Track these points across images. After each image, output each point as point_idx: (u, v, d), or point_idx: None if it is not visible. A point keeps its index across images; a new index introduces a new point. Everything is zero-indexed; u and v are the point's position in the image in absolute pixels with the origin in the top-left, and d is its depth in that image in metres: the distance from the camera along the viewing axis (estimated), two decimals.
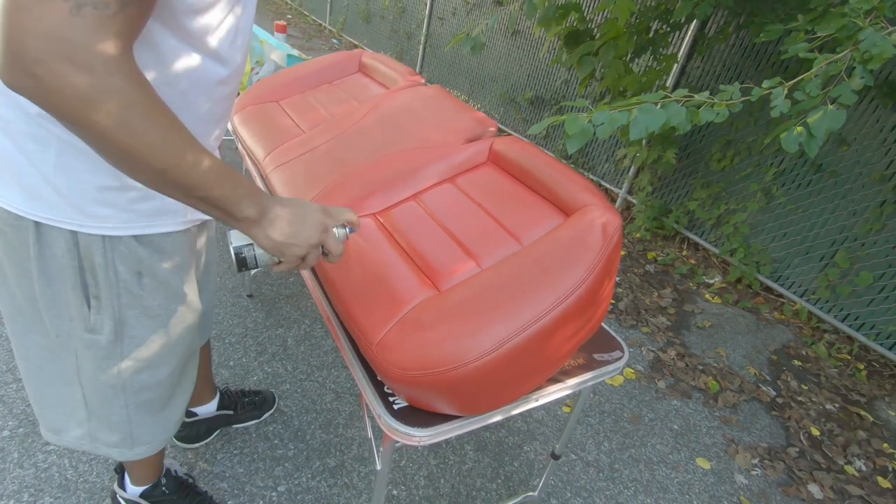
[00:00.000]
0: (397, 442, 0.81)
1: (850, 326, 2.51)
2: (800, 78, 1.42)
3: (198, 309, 0.87)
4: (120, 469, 1.15)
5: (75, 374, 0.79)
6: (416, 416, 0.81)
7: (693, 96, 1.46)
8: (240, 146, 1.47)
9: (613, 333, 1.10)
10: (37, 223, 0.67)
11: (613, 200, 3.60)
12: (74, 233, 0.68)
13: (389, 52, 6.00)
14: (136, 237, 0.72)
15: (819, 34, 1.51)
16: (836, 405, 2.14)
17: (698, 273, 2.92)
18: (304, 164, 1.20)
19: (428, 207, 1.04)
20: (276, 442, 1.48)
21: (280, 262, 0.71)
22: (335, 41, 6.84)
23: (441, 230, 0.98)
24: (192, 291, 0.85)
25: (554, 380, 0.94)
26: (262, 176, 1.29)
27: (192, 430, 1.37)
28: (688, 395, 2.03)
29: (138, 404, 0.84)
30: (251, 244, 0.71)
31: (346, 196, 1.06)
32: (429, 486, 1.46)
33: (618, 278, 2.73)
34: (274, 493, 1.34)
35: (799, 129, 1.37)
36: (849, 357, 2.43)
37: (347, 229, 0.75)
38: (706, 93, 1.48)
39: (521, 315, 0.75)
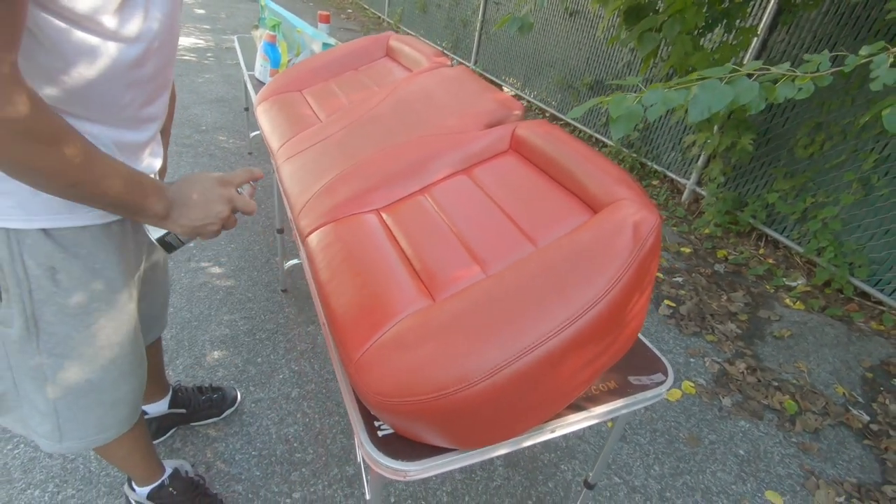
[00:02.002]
0: (390, 476, 0.70)
1: None
2: None
3: (130, 310, 0.82)
4: None
5: (5, 359, 0.76)
6: (404, 445, 0.69)
7: (769, 69, 1.22)
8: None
9: (656, 351, 0.93)
10: None
11: (680, 193, 3.29)
12: None
13: (445, 42, 5.88)
14: (44, 231, 0.67)
15: None
16: None
17: (777, 274, 2.58)
18: (314, 154, 1.11)
19: (438, 202, 0.92)
20: (295, 445, 1.43)
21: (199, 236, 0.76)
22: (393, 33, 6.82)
23: (448, 229, 0.86)
24: (122, 291, 0.79)
25: (576, 407, 0.80)
26: (275, 168, 1.22)
27: None
28: (758, 415, 1.77)
29: (65, 399, 0.80)
30: (165, 233, 0.74)
31: (350, 190, 0.96)
32: (451, 503, 1.35)
33: (680, 279, 2.47)
34: (288, 500, 1.29)
35: None
36: None
37: (250, 184, 0.81)
38: (786, 64, 1.23)
39: (523, 336, 0.61)
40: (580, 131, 4.17)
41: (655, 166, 3.45)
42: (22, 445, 1.31)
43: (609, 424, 1.64)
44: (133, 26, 0.60)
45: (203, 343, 1.70)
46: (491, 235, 0.82)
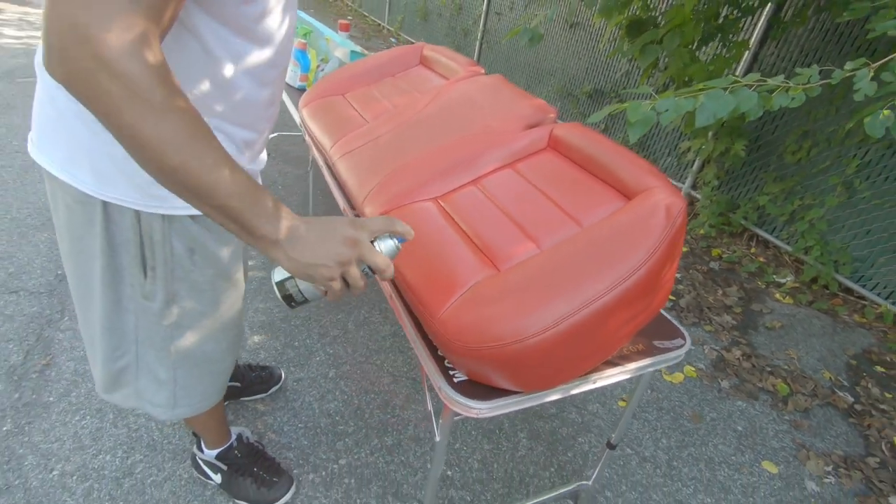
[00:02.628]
0: (457, 414, 0.84)
1: None
2: (889, 58, 1.32)
3: (242, 288, 0.94)
4: (197, 434, 1.26)
5: (133, 333, 0.87)
6: (476, 389, 0.83)
7: (766, 80, 1.39)
8: (307, 138, 1.55)
9: (676, 322, 1.08)
10: (104, 203, 0.74)
11: None
12: (138, 212, 0.75)
13: None
14: (191, 217, 0.79)
15: None
16: None
17: (768, 272, 2.76)
18: (368, 152, 1.25)
19: (488, 192, 1.07)
20: (337, 419, 1.55)
21: (325, 290, 0.66)
22: (393, 40, 6.98)
23: (501, 213, 1.00)
24: (237, 271, 0.91)
25: (612, 363, 0.94)
26: (328, 165, 1.36)
27: None
28: (754, 396, 1.94)
29: (185, 368, 0.92)
30: (292, 277, 0.66)
31: (406, 183, 1.10)
32: (482, 469, 1.48)
33: (679, 275, 2.64)
34: (335, 466, 1.42)
35: (886, 112, 1.27)
36: None
37: (396, 240, 0.67)
38: (780, 77, 1.40)
39: (581, 294, 0.76)
40: None
41: None
42: (88, 417, 1.42)
43: (620, 403, 1.79)
44: (274, 28, 0.71)
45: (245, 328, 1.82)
46: (540, 217, 0.97)
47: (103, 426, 1.41)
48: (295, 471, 1.38)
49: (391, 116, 1.37)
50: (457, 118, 1.25)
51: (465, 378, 0.85)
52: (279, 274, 0.67)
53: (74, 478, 1.27)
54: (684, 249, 2.90)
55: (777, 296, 2.60)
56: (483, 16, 5.22)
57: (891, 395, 2.04)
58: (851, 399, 2.00)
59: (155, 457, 1.35)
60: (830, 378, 2.09)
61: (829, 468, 1.68)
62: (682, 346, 1.02)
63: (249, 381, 1.52)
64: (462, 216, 1.01)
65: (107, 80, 0.47)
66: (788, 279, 2.73)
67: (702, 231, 3.09)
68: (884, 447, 1.80)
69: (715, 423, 1.79)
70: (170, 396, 0.95)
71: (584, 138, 1.07)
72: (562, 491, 1.38)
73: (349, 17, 8.09)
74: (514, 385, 0.82)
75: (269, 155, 3.13)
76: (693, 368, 2.02)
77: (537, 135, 1.14)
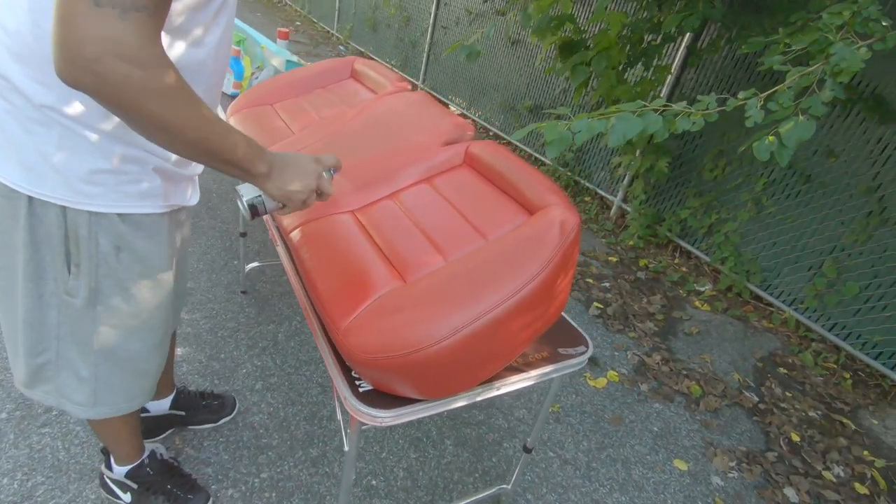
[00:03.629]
0: (364, 424, 0.86)
1: (836, 336, 2.53)
2: (774, 89, 1.47)
3: (170, 289, 0.94)
4: (106, 451, 1.21)
5: (55, 329, 0.85)
6: (381, 398, 0.86)
7: (671, 106, 1.51)
8: None
9: (580, 329, 1.14)
10: (30, 197, 0.74)
11: (608, 208, 3.65)
12: (64, 208, 0.75)
13: (394, 60, 6.10)
14: (119, 215, 0.79)
15: (794, 47, 1.56)
16: (819, 413, 2.16)
17: (689, 281, 2.95)
18: None
19: (404, 206, 1.10)
20: (261, 432, 1.53)
21: (284, 206, 0.83)
22: (342, 48, 6.96)
23: (414, 227, 1.04)
24: (166, 272, 0.91)
25: (517, 370, 0.99)
26: None
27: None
28: (670, 398, 2.06)
29: (107, 365, 0.91)
30: (259, 195, 0.82)
31: None
32: (407, 477, 1.50)
33: (607, 284, 2.77)
34: (256, 480, 1.39)
35: (771, 138, 1.41)
36: (835, 366, 2.45)
37: (332, 171, 0.89)
38: (683, 102, 1.53)
39: (478, 304, 0.80)
40: (522, 150, 4.49)
41: (587, 184, 3.80)
42: None
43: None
44: (214, 40, 0.74)
45: None
46: (450, 231, 1.01)
47: (2, 447, 1.32)
48: (213, 486, 1.35)
49: (317, 128, 1.38)
50: (380, 133, 1.28)
51: (370, 387, 0.87)
52: (248, 193, 0.82)
53: None
54: (614, 260, 3.05)
55: (696, 303, 2.78)
56: (430, 29, 5.31)
57: (791, 395, 2.23)
58: (756, 398, 2.17)
59: (59, 478, 1.29)
60: (739, 379, 2.26)
61: (734, 464, 1.82)
62: (584, 352, 1.08)
63: (196, 409, 1.46)
64: (377, 229, 1.04)
65: (148, 85, 0.57)
66: (707, 287, 2.93)
67: (631, 242, 3.26)
68: (782, 442, 1.96)
69: (633, 425, 1.89)
70: (90, 394, 0.92)
71: (496, 156, 1.13)
72: (482, 495, 1.42)
73: (297, 23, 7.99)
74: (417, 393, 0.85)
75: None
76: (616, 373, 2.13)
77: (454, 151, 1.19)
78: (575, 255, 0.92)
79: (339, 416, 1.00)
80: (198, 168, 0.92)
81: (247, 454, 1.46)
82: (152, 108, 0.58)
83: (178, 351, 1.73)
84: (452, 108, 5.29)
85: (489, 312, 0.80)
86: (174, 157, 0.82)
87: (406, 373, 0.80)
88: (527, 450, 1.33)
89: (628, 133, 1.43)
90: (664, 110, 1.50)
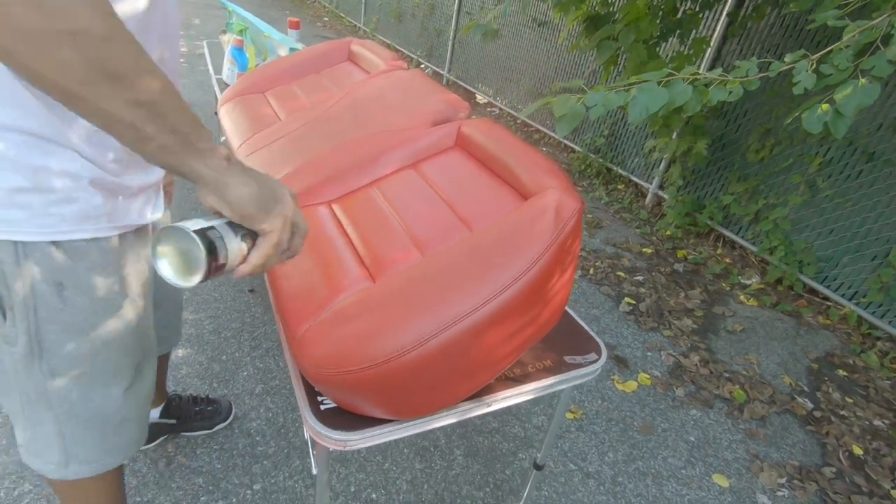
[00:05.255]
0: (331, 447, 0.74)
1: None
2: (828, 49, 1.25)
3: (134, 325, 0.77)
4: None
5: (11, 381, 0.73)
6: (345, 418, 0.74)
7: (702, 74, 1.31)
8: (222, 138, 1.45)
9: (592, 333, 0.99)
10: None
11: (643, 196, 3.40)
12: None
13: (420, 51, 5.97)
14: (54, 243, 0.63)
15: None
16: (887, 422, 1.90)
17: (733, 273, 2.69)
18: (272, 151, 1.16)
19: (386, 195, 0.97)
20: (258, 439, 1.45)
21: (249, 249, 0.57)
22: None
23: (393, 219, 0.91)
24: (130, 306, 0.75)
25: (514, 382, 0.85)
26: None
27: None
28: (709, 404, 1.86)
29: (71, 421, 0.76)
30: (211, 225, 0.54)
31: (304, 183, 1.01)
32: (411, 491, 1.38)
33: (640, 277, 2.56)
34: (248, 491, 1.31)
35: (825, 106, 1.20)
36: None
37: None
38: (719, 70, 1.33)
39: (450, 309, 0.66)
40: (549, 137, 4.28)
41: (621, 171, 3.57)
42: None
43: (569, 415, 1.70)
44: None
45: None
46: (432, 224, 0.87)
47: None
48: (203, 498, 1.28)
49: (303, 114, 1.27)
50: (365, 115, 1.16)
51: (333, 405, 0.75)
52: (197, 223, 0.53)
53: None
54: (649, 251, 2.83)
55: (741, 298, 2.53)
56: (455, 15, 5.14)
57: (852, 400, 1.98)
58: (811, 405, 1.93)
59: (46, 487, 1.24)
60: (790, 383, 2.02)
61: (783, 480, 1.61)
62: (595, 360, 0.93)
63: (188, 416, 1.38)
64: (353, 222, 0.92)
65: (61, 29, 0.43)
66: (754, 280, 2.67)
67: (668, 232, 3.02)
68: (841, 456, 1.72)
69: (666, 435, 1.71)
70: (61, 452, 0.78)
71: (491, 136, 0.98)
72: None
73: (326, 19, 7.99)
74: (384, 413, 0.73)
75: None
76: (648, 376, 1.94)
77: (445, 132, 1.05)
78: (575, 246, 0.77)
79: (307, 436, 0.89)
80: (152, 176, 0.75)
81: (241, 463, 1.38)
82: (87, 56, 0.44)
83: (179, 353, 1.68)
84: (479, 97, 5.13)
85: (463, 319, 0.66)
86: (113, 162, 0.66)
87: (366, 390, 0.68)
88: (537, 467, 1.18)
89: (651, 106, 1.25)
90: (694, 79, 1.30)
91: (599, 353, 0.95)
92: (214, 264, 0.53)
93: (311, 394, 0.77)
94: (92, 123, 0.50)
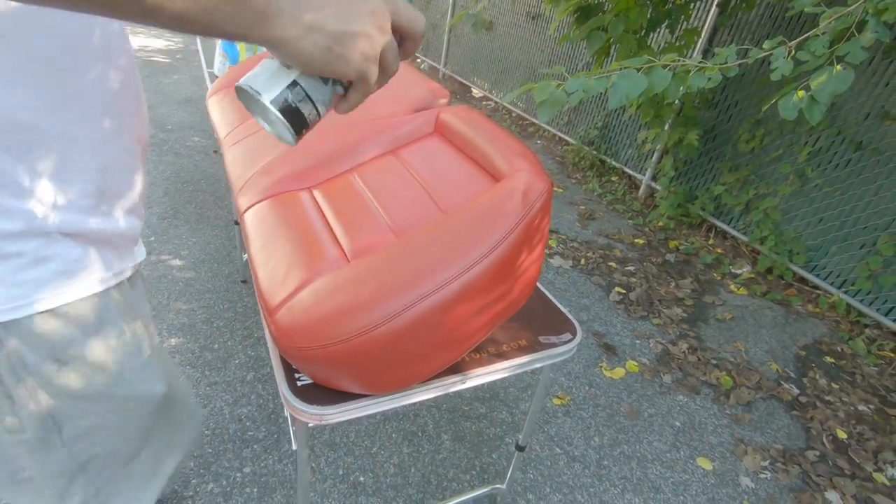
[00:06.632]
0: (308, 422, 0.77)
1: (894, 321, 2.26)
2: (805, 36, 1.27)
3: (155, 369, 0.70)
4: None
5: (25, 475, 0.67)
6: (321, 393, 0.76)
7: (683, 61, 1.33)
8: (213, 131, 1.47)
9: (568, 314, 1.01)
10: None
11: (637, 188, 3.42)
12: None
13: None
14: (38, 315, 0.53)
15: None
16: (872, 406, 1.92)
17: (725, 263, 2.72)
18: (257, 139, 1.18)
19: (366, 181, 1.00)
20: (248, 424, 1.48)
21: (346, 88, 0.46)
22: None
23: (372, 204, 0.93)
24: (139, 354, 0.67)
25: (489, 360, 0.87)
26: (223, 155, 1.28)
27: None
28: (696, 390, 1.88)
29: (109, 488, 0.71)
30: (289, 83, 0.43)
31: (286, 170, 1.03)
32: (398, 474, 1.41)
33: (632, 267, 2.59)
34: (238, 475, 1.34)
35: (800, 93, 1.22)
36: (892, 354, 2.19)
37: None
38: (698, 57, 1.35)
39: (420, 286, 0.69)
40: (544, 130, 4.30)
41: (614, 163, 3.58)
42: None
43: (556, 401, 1.73)
44: None
45: (159, 332, 1.74)
46: (410, 208, 0.90)
47: None
48: (193, 481, 1.31)
49: None
50: None
51: (310, 381, 0.78)
52: (268, 84, 0.43)
53: None
54: (641, 242, 2.85)
55: (732, 287, 2.55)
56: (450, 10, 5.15)
57: (837, 386, 2.00)
58: (797, 391, 1.95)
59: None
60: (777, 370, 2.04)
61: (766, 463, 1.63)
62: (569, 340, 0.95)
63: None
64: (333, 207, 0.94)
65: None
66: (745, 270, 2.69)
67: (660, 223, 3.04)
68: (825, 440, 1.75)
69: (652, 420, 1.73)
70: None
71: (468, 122, 1.00)
72: (476, 494, 1.31)
73: None
74: (359, 387, 0.75)
75: (214, 152, 3.03)
76: (636, 363, 1.97)
77: (424, 119, 1.07)
78: (544, 225, 0.79)
79: (287, 413, 0.92)
80: (135, 224, 0.65)
81: (231, 448, 1.41)
82: None
83: (171, 341, 1.71)
84: (474, 91, 5.14)
85: (432, 294, 0.68)
86: (88, 197, 0.55)
87: (339, 365, 0.70)
88: (519, 447, 1.21)
89: (632, 93, 1.27)
90: (675, 66, 1.32)
91: (574, 334, 0.97)
92: (306, 130, 0.47)
93: (289, 370, 0.79)
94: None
